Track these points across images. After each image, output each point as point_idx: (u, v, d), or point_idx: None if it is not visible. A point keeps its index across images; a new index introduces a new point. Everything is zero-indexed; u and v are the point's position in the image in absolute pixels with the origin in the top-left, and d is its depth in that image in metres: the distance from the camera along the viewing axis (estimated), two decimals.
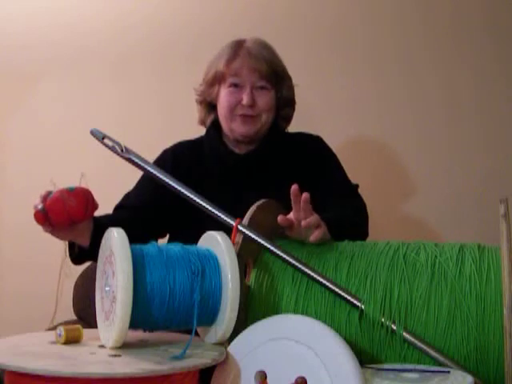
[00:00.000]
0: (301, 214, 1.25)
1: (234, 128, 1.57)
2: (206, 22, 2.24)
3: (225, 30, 2.22)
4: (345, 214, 1.46)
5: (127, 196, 1.60)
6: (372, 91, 2.16)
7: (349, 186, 1.62)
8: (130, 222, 1.42)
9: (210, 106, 1.64)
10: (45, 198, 1.20)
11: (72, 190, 1.17)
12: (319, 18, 2.19)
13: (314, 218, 1.26)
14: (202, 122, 1.68)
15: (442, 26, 2.15)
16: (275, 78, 1.58)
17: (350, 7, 2.19)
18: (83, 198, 1.16)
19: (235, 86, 1.56)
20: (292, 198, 1.25)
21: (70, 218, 1.18)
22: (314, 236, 1.26)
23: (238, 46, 1.58)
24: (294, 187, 1.24)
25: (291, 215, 1.28)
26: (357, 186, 1.63)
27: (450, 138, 2.13)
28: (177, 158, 1.62)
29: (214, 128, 1.63)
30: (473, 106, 2.12)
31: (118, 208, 1.58)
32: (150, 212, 1.55)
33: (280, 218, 1.27)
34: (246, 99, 1.54)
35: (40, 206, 1.16)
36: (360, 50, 2.18)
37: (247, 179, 1.58)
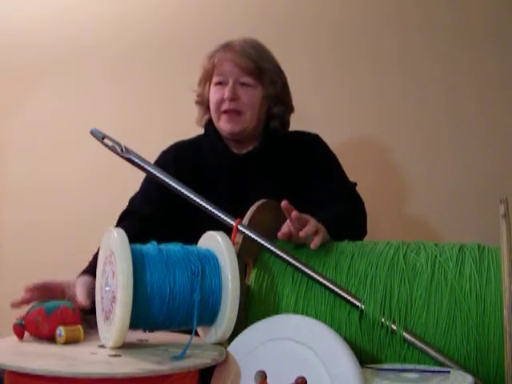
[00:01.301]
0: (296, 224, 1.25)
1: (220, 126, 1.58)
2: (206, 22, 2.24)
3: (225, 30, 2.21)
4: (342, 213, 1.47)
5: (133, 201, 1.59)
6: (373, 91, 2.16)
7: (347, 185, 1.62)
8: (138, 232, 1.39)
9: (205, 106, 1.65)
10: (26, 315, 1.17)
11: (49, 314, 1.14)
12: (319, 18, 2.19)
13: (311, 225, 1.26)
14: (198, 122, 1.68)
15: (442, 25, 2.14)
16: (260, 74, 1.57)
17: (350, 7, 2.19)
18: (57, 326, 1.13)
19: (220, 83, 1.57)
20: (284, 211, 1.25)
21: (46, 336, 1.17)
22: (314, 244, 1.25)
23: (224, 45, 1.59)
24: (284, 203, 1.24)
25: (287, 226, 1.28)
26: (355, 184, 1.63)
27: (450, 137, 2.13)
28: (178, 158, 1.62)
29: (212, 126, 1.63)
30: (473, 106, 2.12)
31: (125, 214, 1.56)
32: (157, 219, 1.54)
33: (279, 234, 1.28)
34: (227, 93, 1.54)
35: (18, 321, 1.16)
36: (360, 49, 2.17)
37: (247, 179, 1.58)
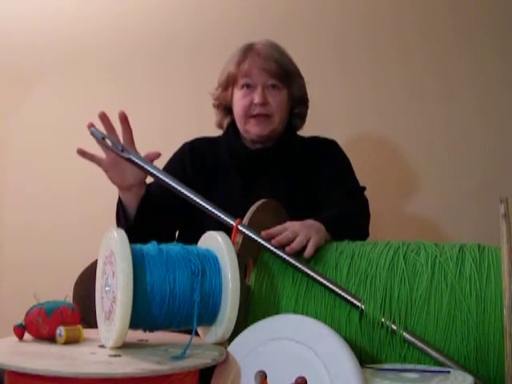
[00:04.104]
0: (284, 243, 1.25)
1: (248, 129, 1.60)
2: (206, 22, 2.24)
3: (225, 30, 2.22)
4: (345, 212, 1.47)
5: (149, 185, 1.60)
6: (373, 91, 2.16)
7: (355, 187, 1.63)
8: (159, 202, 1.47)
9: (226, 109, 1.67)
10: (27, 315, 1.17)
11: (49, 314, 1.13)
12: (319, 18, 2.19)
13: (299, 239, 1.25)
14: (220, 125, 1.71)
15: (442, 25, 2.15)
16: (286, 76, 1.60)
17: (351, 6, 2.19)
18: (57, 326, 1.13)
19: (247, 86, 1.59)
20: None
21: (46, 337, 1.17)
22: (307, 253, 1.25)
23: (247, 49, 1.61)
24: (264, 233, 1.25)
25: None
26: (363, 188, 1.64)
27: (450, 137, 2.13)
28: (194, 149, 1.67)
29: (233, 127, 1.66)
30: (473, 106, 2.12)
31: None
32: (170, 201, 1.53)
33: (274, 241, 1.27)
34: (257, 98, 1.56)
35: (18, 322, 1.16)
36: (360, 49, 2.18)
37: (260, 173, 1.60)
